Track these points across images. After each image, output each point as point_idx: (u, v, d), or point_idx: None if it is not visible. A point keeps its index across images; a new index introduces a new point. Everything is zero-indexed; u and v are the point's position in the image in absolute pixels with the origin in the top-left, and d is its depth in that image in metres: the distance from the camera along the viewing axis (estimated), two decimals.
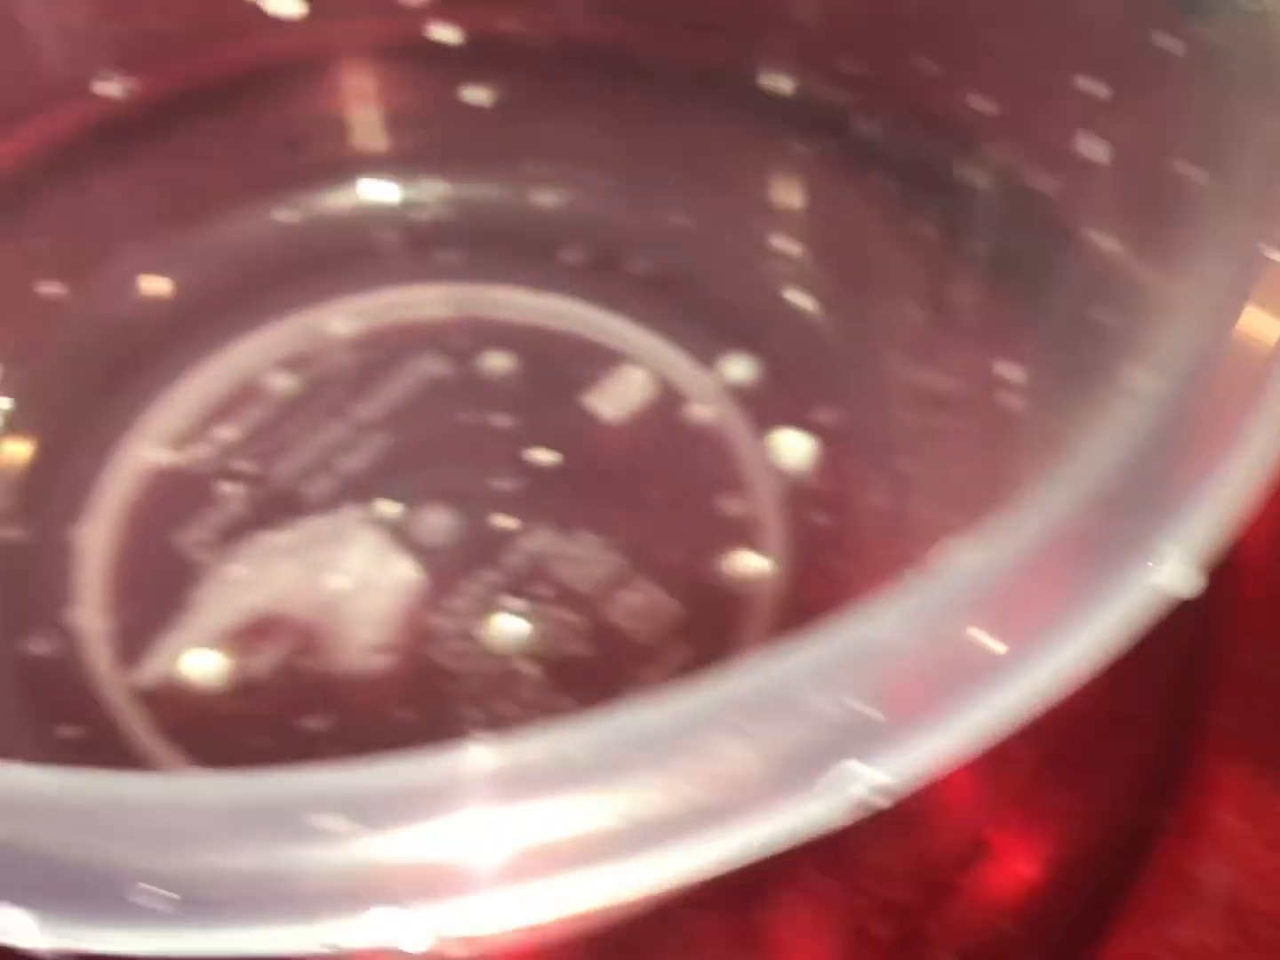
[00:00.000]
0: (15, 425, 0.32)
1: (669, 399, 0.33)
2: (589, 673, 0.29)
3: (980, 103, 0.28)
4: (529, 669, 0.29)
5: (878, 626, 0.16)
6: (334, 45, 0.35)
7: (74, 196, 0.33)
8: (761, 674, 0.16)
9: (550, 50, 0.35)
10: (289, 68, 0.34)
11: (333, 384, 0.33)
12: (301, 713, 0.28)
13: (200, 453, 0.32)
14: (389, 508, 0.31)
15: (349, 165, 0.36)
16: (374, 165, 0.36)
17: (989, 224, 0.29)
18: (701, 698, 0.16)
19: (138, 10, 0.33)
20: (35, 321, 0.32)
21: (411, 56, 0.35)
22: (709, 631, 0.30)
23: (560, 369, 0.34)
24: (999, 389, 0.28)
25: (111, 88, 0.33)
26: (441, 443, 0.32)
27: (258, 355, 0.34)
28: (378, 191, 0.36)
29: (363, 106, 0.35)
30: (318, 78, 0.35)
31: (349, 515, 0.31)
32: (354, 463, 0.32)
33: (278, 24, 0.33)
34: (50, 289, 0.33)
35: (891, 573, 0.30)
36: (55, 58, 0.32)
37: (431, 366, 0.34)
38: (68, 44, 0.32)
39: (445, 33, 0.35)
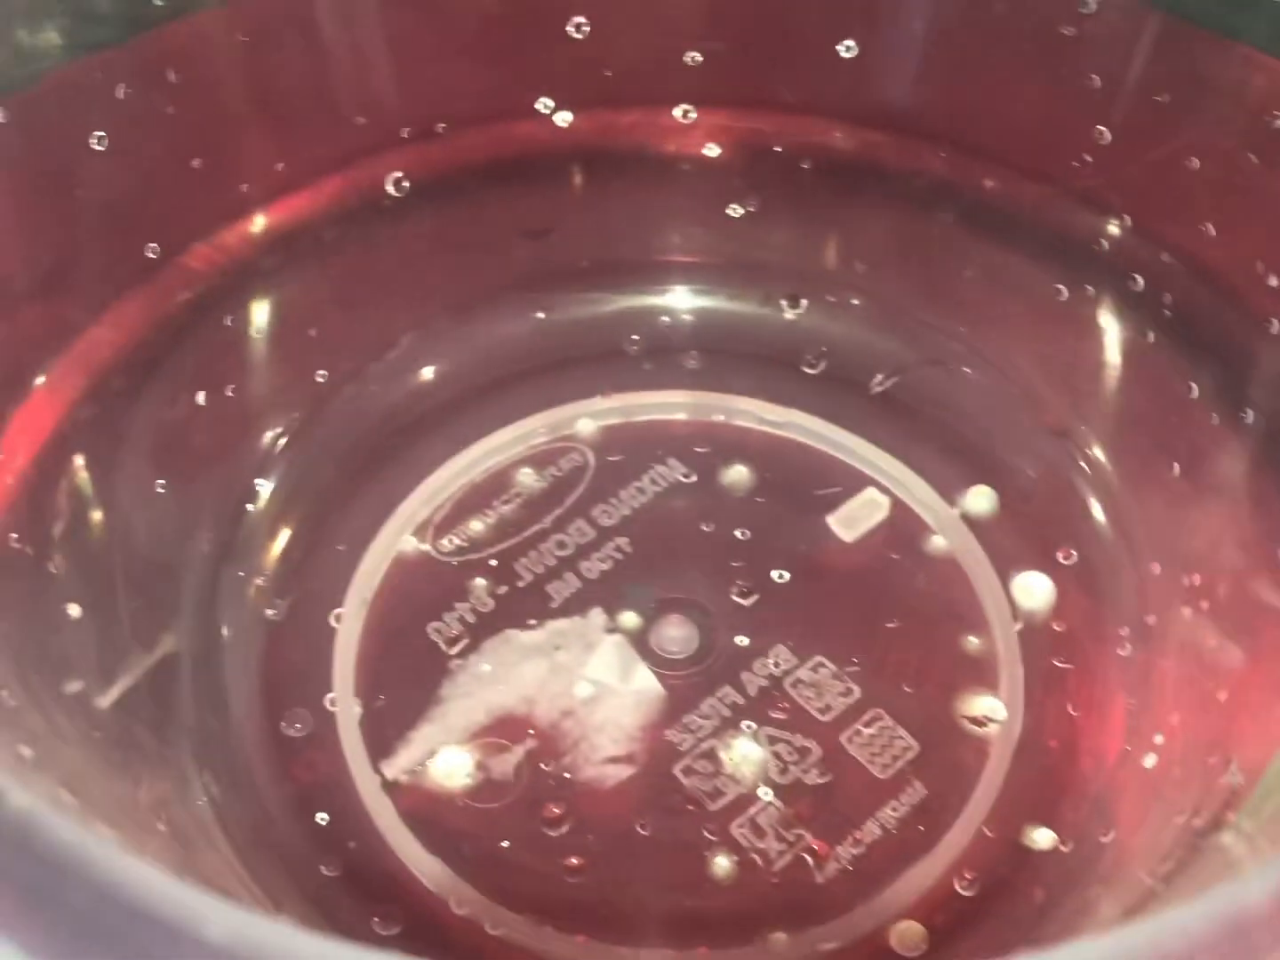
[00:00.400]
0: (281, 508, 0.33)
1: (908, 526, 0.34)
2: (825, 803, 0.29)
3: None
4: (765, 794, 0.29)
5: None
6: (601, 151, 0.35)
7: (353, 280, 0.34)
8: None
9: (812, 166, 0.35)
10: (559, 169, 0.35)
11: (577, 484, 0.34)
12: (541, 815, 0.29)
13: (453, 544, 0.33)
14: (632, 616, 0.32)
15: (605, 269, 0.36)
16: (629, 270, 0.37)
17: (1267, 395, 0.29)
18: None
19: (435, 94, 0.34)
20: (308, 406, 0.34)
21: (672, 168, 0.36)
22: (944, 772, 0.30)
23: (800, 486, 0.34)
24: (1263, 568, 0.28)
25: (394, 172, 0.34)
26: (682, 552, 0.33)
27: (509, 451, 0.35)
28: (630, 296, 0.37)
29: (621, 213, 0.36)
30: (582, 183, 0.35)
31: (594, 620, 0.32)
32: (597, 566, 0.33)
33: (554, 129, 0.34)
34: (324, 374, 0.34)
35: (1129, 727, 0.30)
36: (352, 127, 0.33)
37: (673, 473, 0.34)
38: (370, 113, 0.33)
39: (712, 148, 0.35)
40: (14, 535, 0.25)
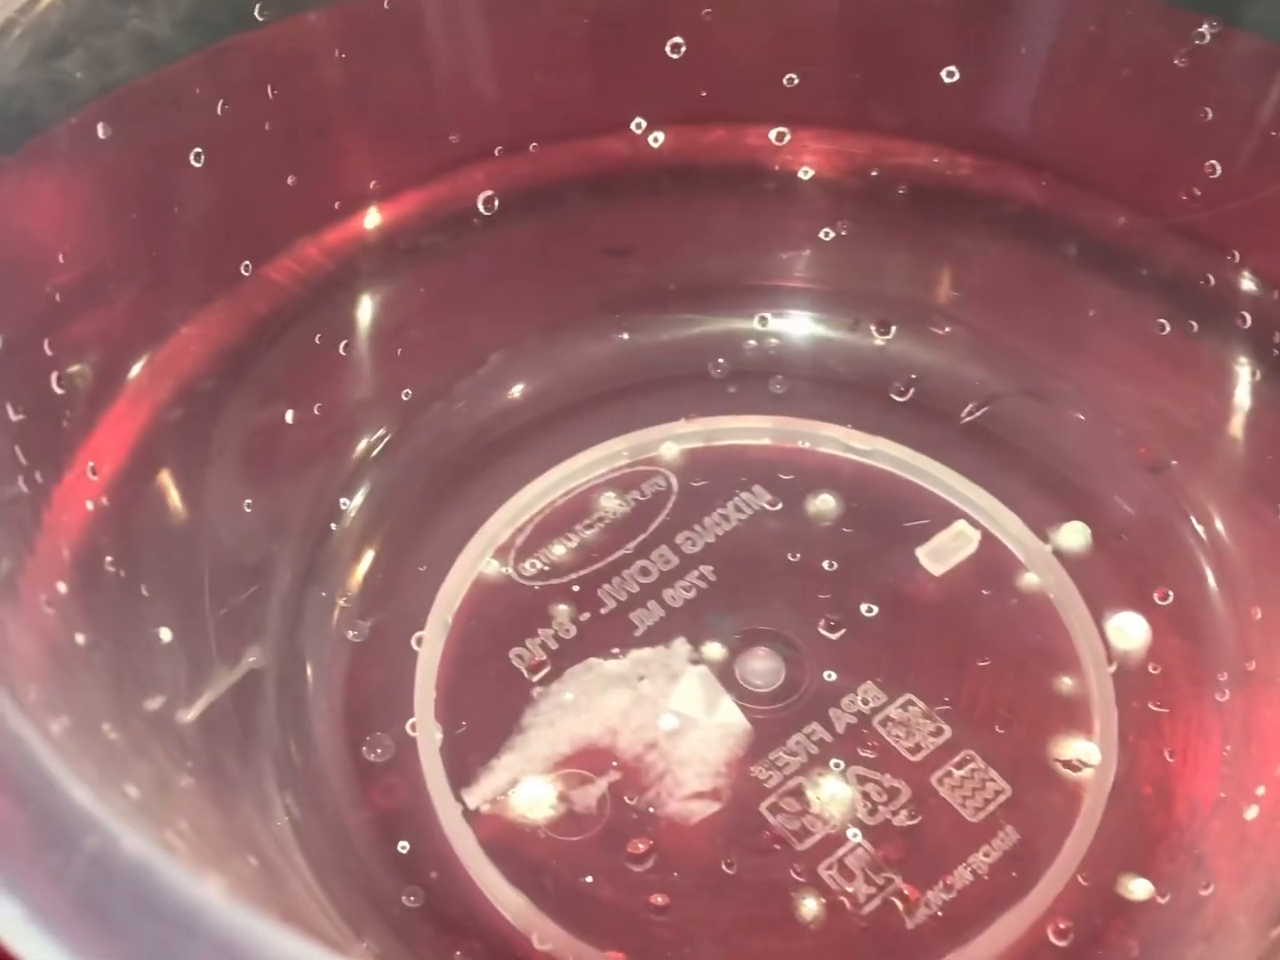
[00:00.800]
0: (365, 527, 0.33)
1: (998, 561, 0.33)
2: (915, 846, 0.29)
3: None
4: (854, 835, 0.29)
5: None
6: (692, 171, 0.35)
7: (442, 298, 0.34)
8: None
9: (908, 191, 0.35)
10: (650, 187, 0.35)
11: (660, 509, 0.34)
12: (624, 849, 0.29)
13: (535, 568, 0.33)
14: (716, 647, 0.31)
15: (692, 290, 0.36)
16: (717, 293, 0.36)
17: None
18: None
19: (529, 112, 0.33)
20: (394, 424, 0.33)
21: (763, 192, 0.35)
22: (1036, 816, 0.29)
23: (888, 516, 0.34)
24: None
25: (485, 190, 0.34)
26: (767, 582, 0.33)
27: (591, 473, 0.34)
28: (717, 318, 0.36)
29: (712, 239, 0.36)
30: (674, 208, 0.35)
31: (678, 650, 0.31)
32: (681, 594, 0.32)
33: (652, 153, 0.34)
34: (409, 392, 0.34)
35: (1227, 775, 0.29)
36: (446, 144, 0.33)
37: (758, 500, 0.34)
38: (464, 130, 0.33)
39: (806, 170, 0.35)
40: (109, 559, 0.24)
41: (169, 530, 0.27)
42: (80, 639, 0.22)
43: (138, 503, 0.26)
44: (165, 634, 0.26)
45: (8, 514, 0.21)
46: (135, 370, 0.28)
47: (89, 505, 0.24)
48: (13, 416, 0.22)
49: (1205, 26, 0.29)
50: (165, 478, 0.28)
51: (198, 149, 0.27)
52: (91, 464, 0.25)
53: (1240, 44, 0.30)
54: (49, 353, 0.24)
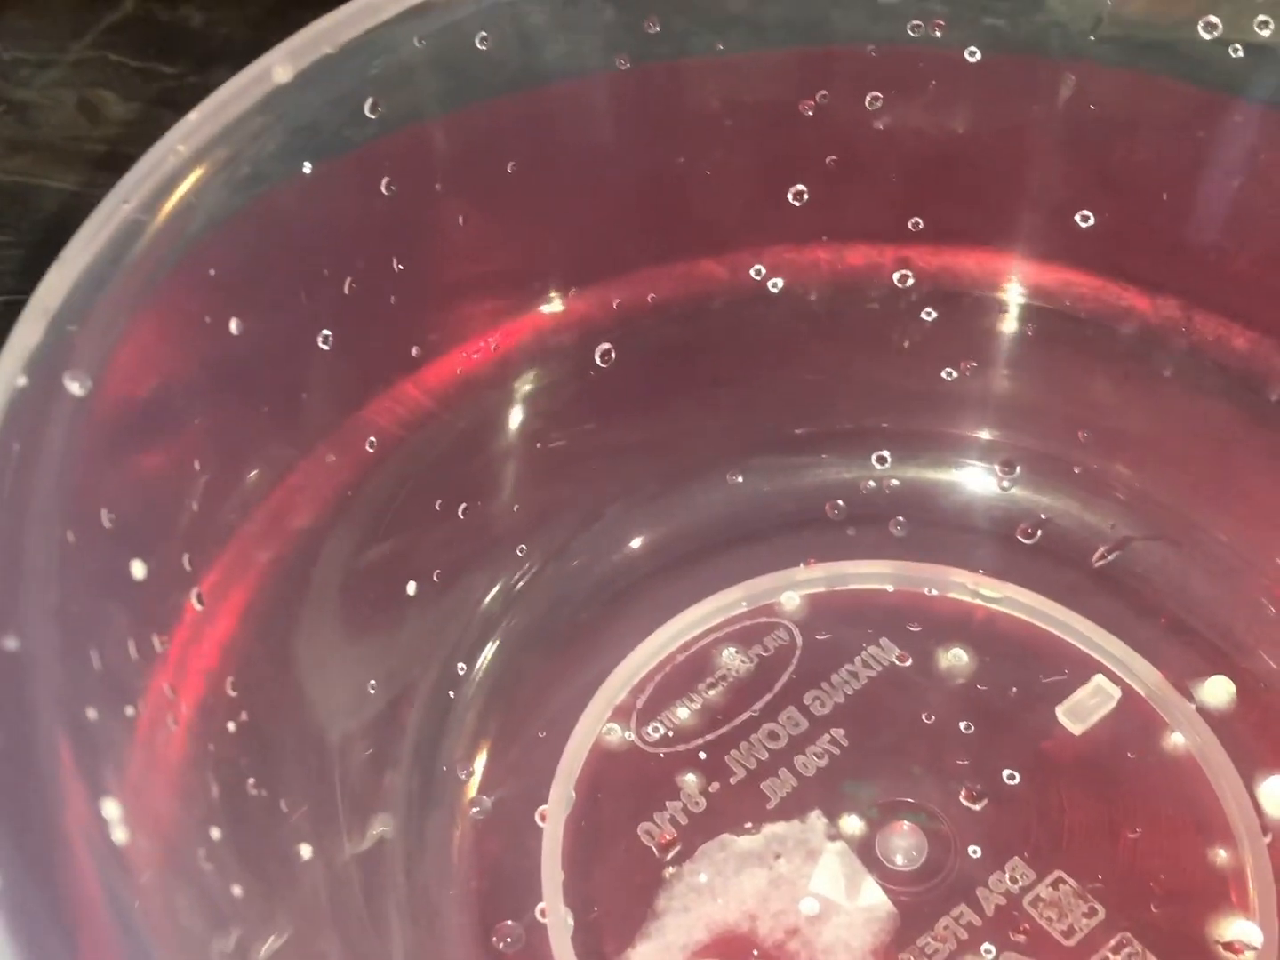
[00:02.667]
0: (485, 695, 0.32)
1: (1142, 720, 0.32)
2: None
3: None
4: None
5: None
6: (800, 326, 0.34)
7: (557, 452, 0.33)
8: None
9: (1036, 329, 0.34)
10: (757, 338, 0.34)
11: (786, 665, 0.33)
12: None
13: (658, 734, 0.32)
14: (854, 820, 0.30)
15: (800, 439, 0.35)
16: (827, 437, 0.35)
17: None
18: None
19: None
20: (511, 584, 0.32)
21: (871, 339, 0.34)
22: None
23: (1023, 671, 0.32)
24: None
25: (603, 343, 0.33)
26: (903, 746, 0.31)
27: (710, 626, 0.33)
28: (827, 463, 0.35)
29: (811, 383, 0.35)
30: (791, 357, 0.34)
31: (814, 825, 0.30)
32: (814, 761, 0.31)
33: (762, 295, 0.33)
34: (523, 548, 0.33)
35: None
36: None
37: (887, 655, 0.33)
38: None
39: (929, 312, 0.34)
40: (251, 780, 0.23)
41: (298, 729, 0.26)
42: (237, 890, 0.21)
43: (273, 709, 0.25)
44: (305, 851, 0.25)
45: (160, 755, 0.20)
46: (255, 552, 0.27)
47: (230, 726, 0.23)
48: (158, 648, 0.21)
49: None
50: (297, 674, 0.27)
51: (326, 331, 0.26)
52: (231, 679, 0.24)
53: None
54: (188, 568, 0.23)
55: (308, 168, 0.25)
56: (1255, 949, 0.28)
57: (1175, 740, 0.31)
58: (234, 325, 0.24)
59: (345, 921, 0.25)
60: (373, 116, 0.26)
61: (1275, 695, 0.32)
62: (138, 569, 0.21)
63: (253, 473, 0.26)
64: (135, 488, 0.22)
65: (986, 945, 0.28)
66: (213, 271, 0.24)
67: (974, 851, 0.30)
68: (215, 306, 0.24)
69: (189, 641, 0.23)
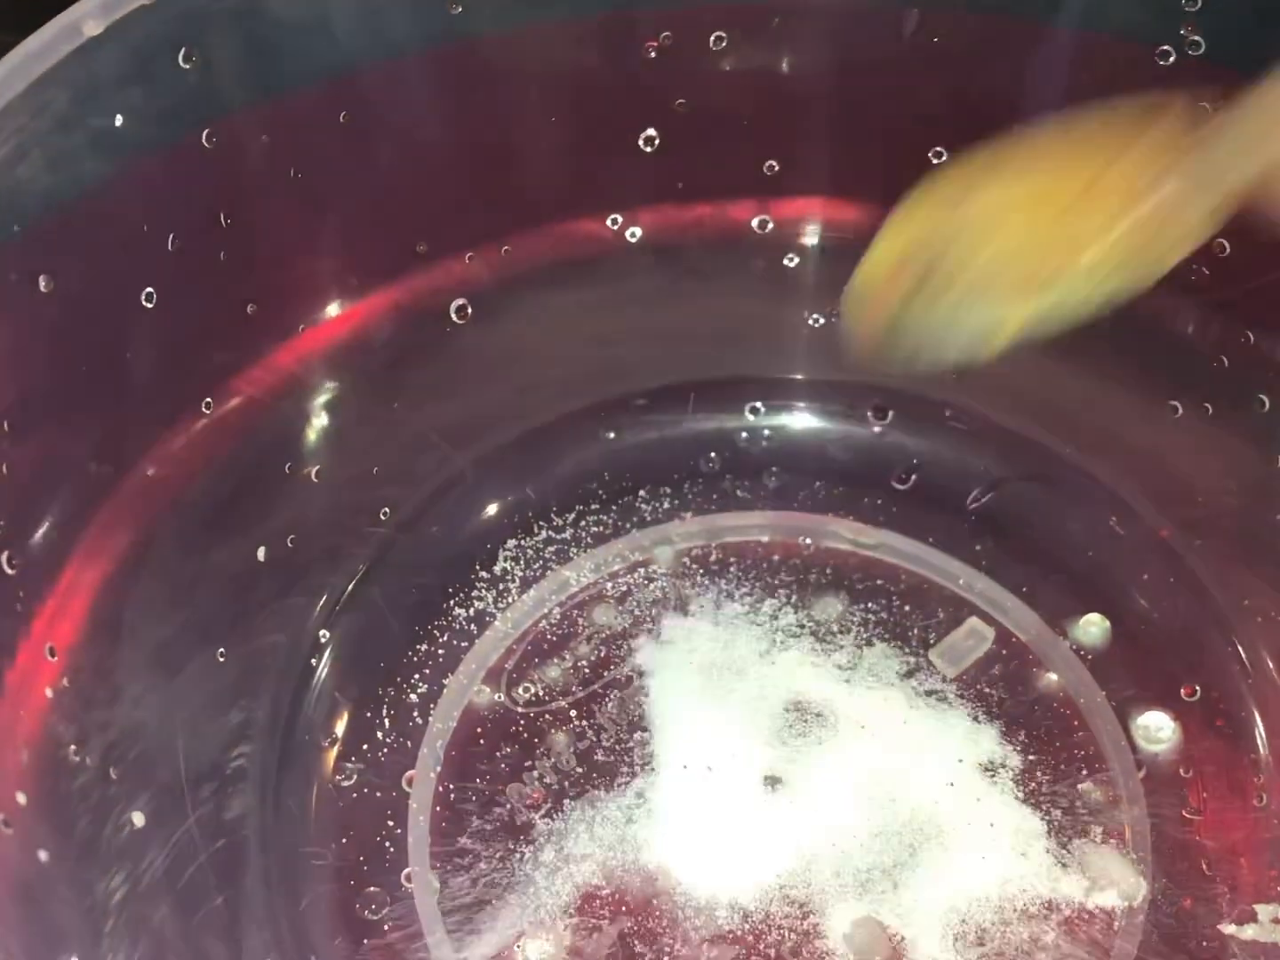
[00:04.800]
0: (348, 663, 0.31)
1: (1017, 661, 0.31)
2: None
3: None
4: None
5: None
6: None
7: (415, 413, 0.32)
8: None
9: None
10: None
11: (658, 620, 0.32)
12: None
13: (529, 693, 0.31)
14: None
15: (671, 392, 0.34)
16: (699, 390, 0.34)
17: None
18: None
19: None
20: (370, 551, 0.32)
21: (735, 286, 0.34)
22: None
23: (898, 616, 0.32)
24: None
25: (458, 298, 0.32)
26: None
27: (584, 584, 0.33)
28: (700, 415, 0.35)
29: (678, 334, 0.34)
30: (656, 308, 0.33)
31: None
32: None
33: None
34: (386, 512, 0.32)
35: None
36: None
37: (764, 607, 0.32)
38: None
39: (789, 258, 0.33)
40: (72, 747, 0.23)
41: (136, 699, 0.25)
42: (43, 855, 0.20)
43: (100, 676, 0.24)
44: (138, 818, 0.24)
45: None
46: (97, 507, 0.26)
47: (48, 692, 0.23)
48: None
49: None
50: (128, 639, 0.26)
51: (149, 289, 0.26)
52: (50, 645, 0.23)
53: None
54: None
55: (120, 120, 0.24)
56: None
57: (1050, 679, 0.31)
58: (43, 283, 0.23)
59: (189, 892, 0.25)
60: (187, 66, 0.25)
61: (1149, 633, 0.32)
62: None
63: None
64: None
65: None
66: (16, 228, 0.23)
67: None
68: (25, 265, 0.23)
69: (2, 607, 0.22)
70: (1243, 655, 0.31)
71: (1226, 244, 0.29)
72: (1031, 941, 0.27)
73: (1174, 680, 0.31)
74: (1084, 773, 0.30)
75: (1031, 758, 0.30)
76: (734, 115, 0.31)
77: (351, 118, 0.28)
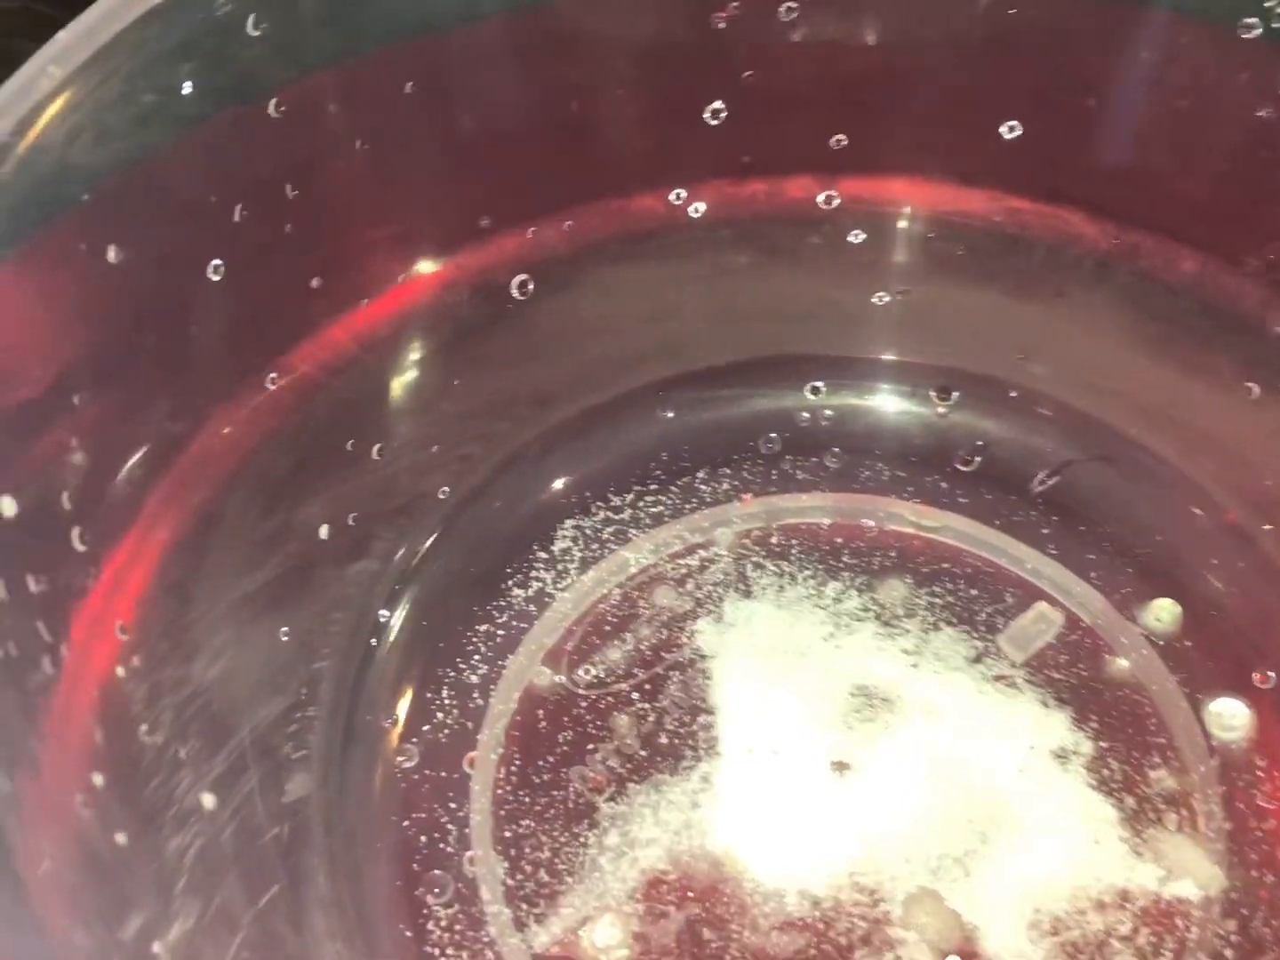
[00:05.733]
0: (409, 642, 0.31)
1: (1087, 647, 0.31)
2: None
3: None
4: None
5: None
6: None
7: (474, 392, 0.32)
8: None
9: (965, 251, 0.33)
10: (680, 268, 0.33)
11: (720, 602, 0.32)
12: None
13: (590, 675, 0.31)
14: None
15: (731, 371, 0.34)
16: (759, 368, 0.34)
17: None
18: None
19: None
20: (432, 529, 0.31)
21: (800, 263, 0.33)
22: None
23: (965, 600, 0.32)
24: None
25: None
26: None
27: (644, 565, 0.32)
28: (759, 395, 0.34)
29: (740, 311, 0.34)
30: (717, 285, 0.33)
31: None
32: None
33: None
34: (445, 492, 0.32)
35: None
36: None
37: (826, 589, 0.32)
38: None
39: (857, 233, 0.33)
40: (143, 728, 0.22)
41: (202, 674, 0.25)
42: (121, 838, 0.20)
43: (167, 652, 0.24)
44: (208, 799, 0.24)
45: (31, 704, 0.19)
46: (153, 488, 0.26)
47: (120, 670, 0.22)
48: (33, 588, 0.20)
49: None
50: (195, 610, 0.26)
51: (216, 261, 0.25)
52: (120, 624, 0.23)
53: None
54: (68, 506, 0.22)
55: (188, 88, 0.24)
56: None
57: (1120, 665, 0.31)
58: (112, 253, 0.23)
59: (255, 873, 0.24)
60: (256, 33, 0.25)
61: (1220, 617, 0.31)
62: (7, 505, 0.20)
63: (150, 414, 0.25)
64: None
65: None
66: (85, 196, 0.22)
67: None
68: (92, 235, 0.23)
69: (70, 583, 0.22)
70: None
71: None
72: (1107, 931, 0.27)
73: (1246, 666, 0.30)
74: (1157, 760, 0.29)
75: (1103, 744, 0.29)
76: (802, 89, 0.30)
77: (419, 87, 0.28)
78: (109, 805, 0.20)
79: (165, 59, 0.24)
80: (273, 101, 0.25)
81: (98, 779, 0.20)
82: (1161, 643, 0.31)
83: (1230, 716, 0.30)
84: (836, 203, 0.32)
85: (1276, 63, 0.28)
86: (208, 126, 0.25)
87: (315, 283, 0.28)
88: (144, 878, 0.20)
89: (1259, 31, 0.27)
